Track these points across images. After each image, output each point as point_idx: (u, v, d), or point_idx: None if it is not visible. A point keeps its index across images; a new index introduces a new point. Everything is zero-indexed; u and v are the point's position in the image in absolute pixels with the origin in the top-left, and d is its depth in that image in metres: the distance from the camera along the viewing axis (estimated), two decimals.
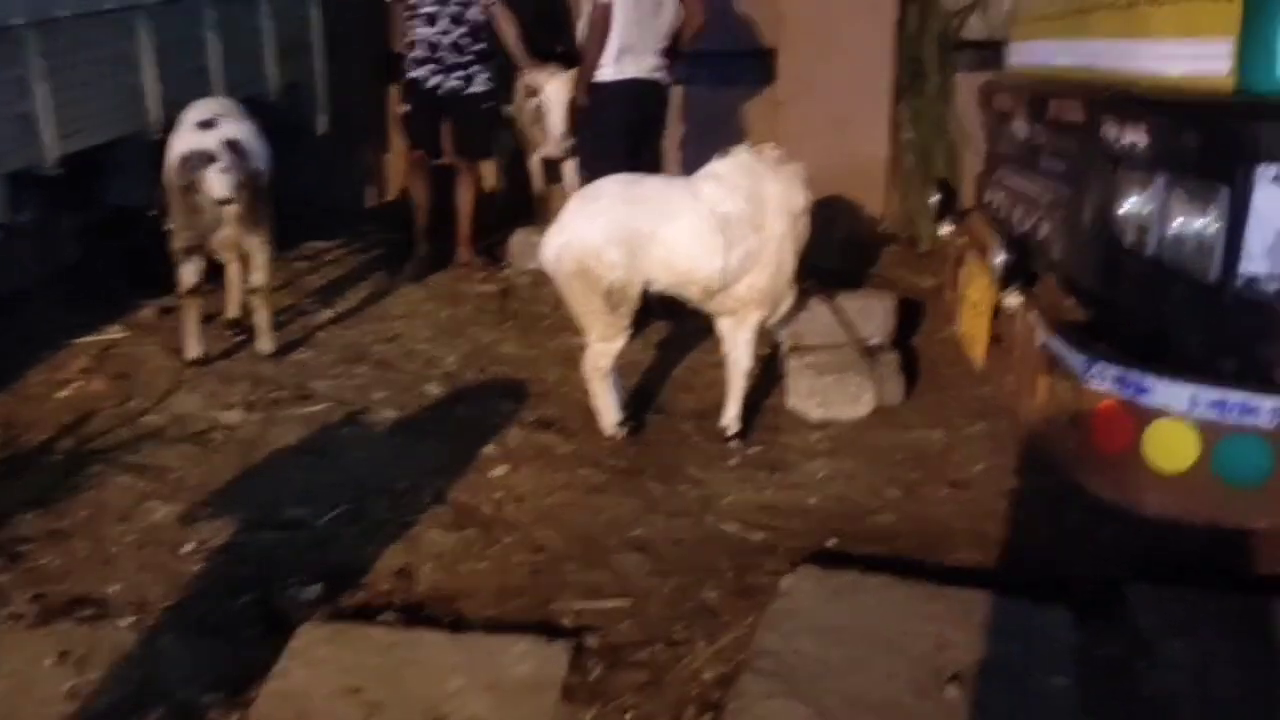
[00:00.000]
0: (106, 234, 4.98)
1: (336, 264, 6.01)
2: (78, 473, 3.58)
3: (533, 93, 5.75)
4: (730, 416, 3.88)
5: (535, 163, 6.28)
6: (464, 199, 5.80)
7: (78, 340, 4.71)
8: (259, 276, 4.44)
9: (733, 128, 6.39)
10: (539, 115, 5.79)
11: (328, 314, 5.20)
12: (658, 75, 4.91)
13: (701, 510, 3.39)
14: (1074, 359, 2.30)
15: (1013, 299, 2.75)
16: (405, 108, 5.73)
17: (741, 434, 3.87)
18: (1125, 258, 2.45)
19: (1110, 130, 2.46)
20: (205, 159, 4.07)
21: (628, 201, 3.64)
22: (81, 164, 4.63)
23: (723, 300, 3.76)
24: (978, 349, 3.13)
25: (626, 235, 3.57)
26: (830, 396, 4.04)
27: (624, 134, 4.80)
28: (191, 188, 4.07)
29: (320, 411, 4.10)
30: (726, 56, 6.32)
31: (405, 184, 6.35)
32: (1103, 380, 2.22)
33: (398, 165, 6.83)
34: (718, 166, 3.78)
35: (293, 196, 6.56)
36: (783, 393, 4.17)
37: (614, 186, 3.75)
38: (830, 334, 4.27)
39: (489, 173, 6.49)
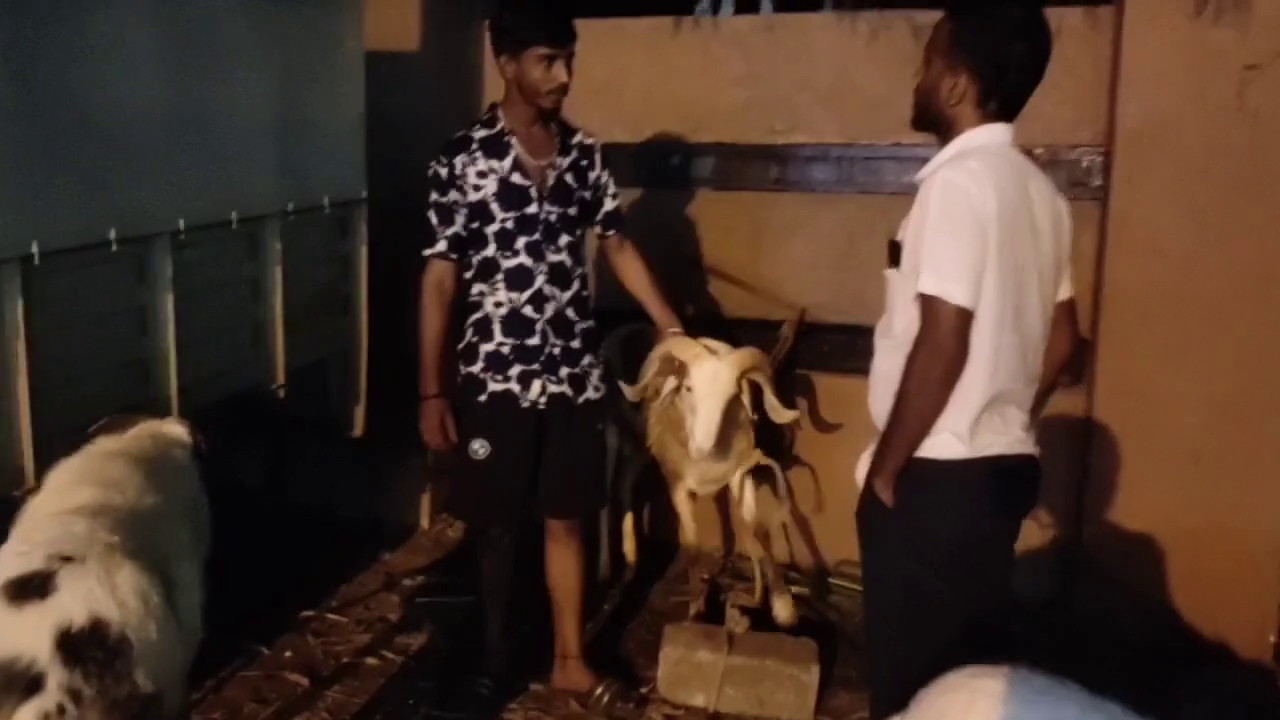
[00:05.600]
0: None
1: (352, 647, 3.61)
2: None
3: (676, 369, 3.32)
4: None
5: (682, 498, 3.88)
6: (567, 578, 3.37)
7: None
8: None
9: None
10: (680, 405, 3.37)
11: None
12: (1032, 449, 2.34)
13: None
14: None
15: None
16: (481, 447, 3.15)
17: None
18: None
19: None
20: (11, 679, 1.75)
21: None
22: None
23: None
24: None
25: None
26: None
27: (975, 575, 2.22)
28: None
29: None
30: None
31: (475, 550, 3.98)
32: None
33: None
34: None
35: (310, 511, 4.54)
36: None
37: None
38: None
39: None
